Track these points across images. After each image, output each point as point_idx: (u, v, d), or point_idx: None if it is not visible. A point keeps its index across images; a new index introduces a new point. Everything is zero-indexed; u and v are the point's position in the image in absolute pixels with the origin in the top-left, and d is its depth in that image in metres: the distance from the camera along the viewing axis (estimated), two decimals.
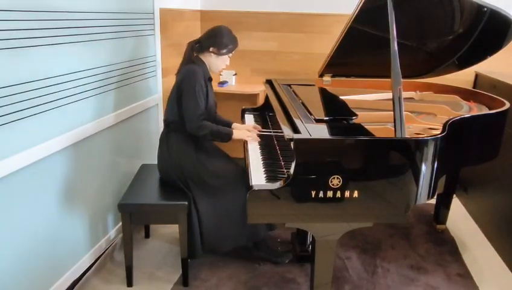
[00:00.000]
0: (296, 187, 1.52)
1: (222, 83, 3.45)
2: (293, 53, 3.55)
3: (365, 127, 1.74)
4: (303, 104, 2.08)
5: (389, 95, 1.93)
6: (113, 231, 2.39)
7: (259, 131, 2.21)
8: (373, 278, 2.23)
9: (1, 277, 1.58)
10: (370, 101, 2.50)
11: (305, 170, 1.51)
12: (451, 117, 1.84)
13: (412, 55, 2.47)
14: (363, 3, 2.04)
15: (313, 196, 1.52)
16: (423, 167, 1.58)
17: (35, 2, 1.60)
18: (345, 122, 1.82)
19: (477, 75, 3.25)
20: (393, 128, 1.63)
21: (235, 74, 3.53)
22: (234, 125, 2.29)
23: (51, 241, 1.85)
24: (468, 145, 1.98)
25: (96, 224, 2.23)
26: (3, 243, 1.57)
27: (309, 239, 2.37)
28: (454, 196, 2.81)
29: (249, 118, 2.63)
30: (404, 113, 1.63)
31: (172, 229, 2.57)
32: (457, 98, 2.57)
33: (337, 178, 1.51)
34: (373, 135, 1.64)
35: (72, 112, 1.89)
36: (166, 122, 2.15)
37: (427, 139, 1.59)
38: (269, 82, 2.74)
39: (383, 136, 1.68)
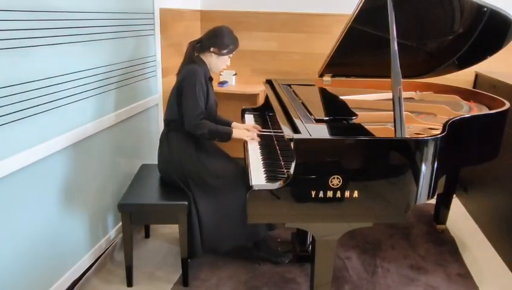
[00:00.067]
0: (296, 187, 1.52)
1: (222, 83, 3.45)
2: (293, 53, 3.55)
3: (365, 127, 1.74)
4: (303, 104, 2.08)
5: (389, 95, 1.93)
6: (113, 231, 2.39)
7: (259, 131, 2.21)
8: (373, 278, 2.23)
9: (1, 276, 1.58)
10: (370, 101, 2.50)
11: (305, 170, 1.51)
12: (451, 117, 1.83)
13: (412, 55, 2.47)
14: (363, 3, 2.04)
15: (313, 196, 1.52)
16: (423, 167, 1.58)
17: (35, 2, 1.60)
18: (345, 122, 1.82)
19: (477, 75, 3.25)
20: (393, 128, 1.63)
21: (235, 74, 3.53)
22: (234, 124, 2.29)
23: (51, 241, 1.85)
24: (468, 145, 1.98)
25: (96, 224, 2.23)
26: (3, 243, 1.57)
27: (309, 239, 2.37)
28: (454, 196, 2.81)
29: (249, 118, 2.63)
30: (404, 113, 1.63)
31: (172, 229, 2.57)
32: (457, 98, 2.57)
33: (337, 178, 1.50)
34: (373, 135, 1.64)
35: (72, 112, 1.89)
36: (167, 122, 2.15)
37: (427, 139, 1.58)
38: (269, 82, 2.74)
39: (383, 136, 1.68)
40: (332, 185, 1.51)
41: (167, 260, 2.34)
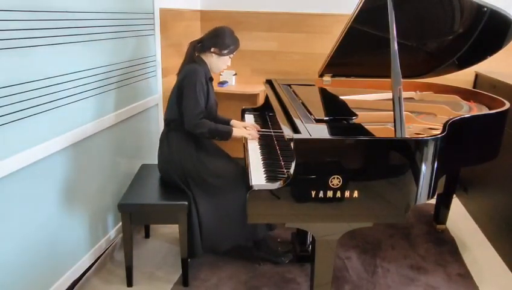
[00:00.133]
0: (296, 187, 1.52)
1: (222, 83, 3.45)
2: (293, 53, 3.55)
3: (365, 127, 1.74)
4: (303, 104, 2.08)
5: (389, 95, 1.93)
6: (113, 231, 2.39)
7: (258, 131, 2.21)
8: (373, 278, 2.23)
9: (1, 276, 1.58)
10: (370, 101, 2.50)
11: (305, 170, 1.51)
12: (451, 117, 1.83)
13: (412, 55, 2.47)
14: (363, 3, 2.04)
15: (313, 196, 1.52)
16: (423, 167, 1.58)
17: (35, 2, 1.60)
18: (345, 122, 1.82)
19: (477, 75, 3.25)
20: (393, 128, 1.63)
21: (235, 74, 3.53)
22: (233, 122, 2.29)
23: (50, 241, 1.85)
24: (468, 145, 1.98)
25: (96, 224, 2.23)
26: (3, 243, 1.57)
27: (309, 239, 2.37)
28: (454, 196, 2.81)
29: (249, 118, 2.63)
30: (404, 113, 1.63)
31: (172, 229, 2.57)
32: (457, 98, 2.57)
33: (337, 178, 1.50)
34: (373, 135, 1.64)
35: (72, 112, 1.89)
36: (167, 121, 2.15)
37: (427, 139, 1.58)
38: (269, 82, 2.74)
39: (383, 136, 1.68)
40: (332, 185, 1.51)
41: (167, 260, 2.34)
